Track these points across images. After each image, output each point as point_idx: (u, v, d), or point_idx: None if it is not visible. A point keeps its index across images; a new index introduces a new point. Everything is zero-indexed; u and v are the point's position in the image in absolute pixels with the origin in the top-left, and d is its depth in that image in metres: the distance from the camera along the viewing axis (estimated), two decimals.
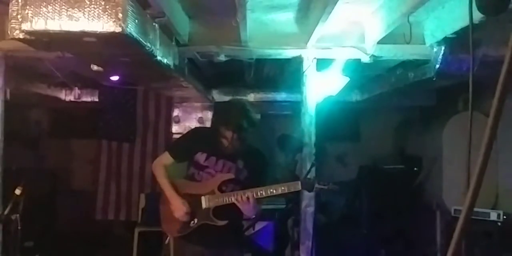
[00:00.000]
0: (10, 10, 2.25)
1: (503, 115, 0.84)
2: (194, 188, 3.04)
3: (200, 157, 3.05)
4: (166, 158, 3.16)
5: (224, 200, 2.96)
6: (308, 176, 3.28)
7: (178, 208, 2.99)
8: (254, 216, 3.14)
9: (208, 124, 6.31)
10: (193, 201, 3.01)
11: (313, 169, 3.37)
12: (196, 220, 3.01)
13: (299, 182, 2.94)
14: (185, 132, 3.75)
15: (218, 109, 3.18)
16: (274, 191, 2.93)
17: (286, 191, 2.93)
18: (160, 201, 3.22)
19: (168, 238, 3.31)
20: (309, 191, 3.12)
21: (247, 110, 2.99)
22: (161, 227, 3.30)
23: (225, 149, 3.01)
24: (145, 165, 6.35)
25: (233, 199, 2.92)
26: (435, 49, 3.42)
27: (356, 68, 3.98)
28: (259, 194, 2.91)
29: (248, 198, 2.88)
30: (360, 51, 3.58)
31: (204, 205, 3.00)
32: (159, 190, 3.23)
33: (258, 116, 3.06)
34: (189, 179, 3.10)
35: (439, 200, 5.28)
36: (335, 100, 4.50)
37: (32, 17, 2.08)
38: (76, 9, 2.08)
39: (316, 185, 2.98)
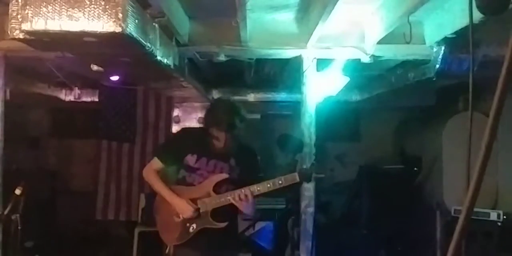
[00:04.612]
0: (10, 10, 2.25)
1: (503, 115, 0.84)
2: (189, 192, 2.95)
3: (190, 159, 2.96)
4: (155, 164, 3.08)
5: (222, 201, 2.88)
6: (304, 166, 3.18)
7: (185, 208, 2.90)
8: (252, 214, 3.06)
9: None
10: None
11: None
12: (195, 226, 2.93)
13: (296, 174, 2.81)
14: None
15: (207, 110, 3.12)
16: (272, 185, 2.81)
17: (284, 184, 2.80)
18: (154, 210, 3.14)
19: (168, 247, 3.24)
20: (308, 181, 3.00)
21: (236, 107, 2.95)
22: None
23: (216, 149, 2.95)
24: (145, 165, 6.30)
25: (231, 199, 2.84)
26: (435, 49, 3.42)
27: (356, 68, 3.98)
28: (256, 190, 2.82)
29: (246, 195, 2.80)
30: (360, 51, 3.58)
31: (201, 209, 2.92)
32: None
33: (257, 116, 3.04)
34: (181, 183, 3.00)
35: (439, 200, 5.27)
36: (335, 100, 4.50)
37: (32, 17, 2.08)
38: (76, 9, 2.08)
39: (314, 175, 2.89)
